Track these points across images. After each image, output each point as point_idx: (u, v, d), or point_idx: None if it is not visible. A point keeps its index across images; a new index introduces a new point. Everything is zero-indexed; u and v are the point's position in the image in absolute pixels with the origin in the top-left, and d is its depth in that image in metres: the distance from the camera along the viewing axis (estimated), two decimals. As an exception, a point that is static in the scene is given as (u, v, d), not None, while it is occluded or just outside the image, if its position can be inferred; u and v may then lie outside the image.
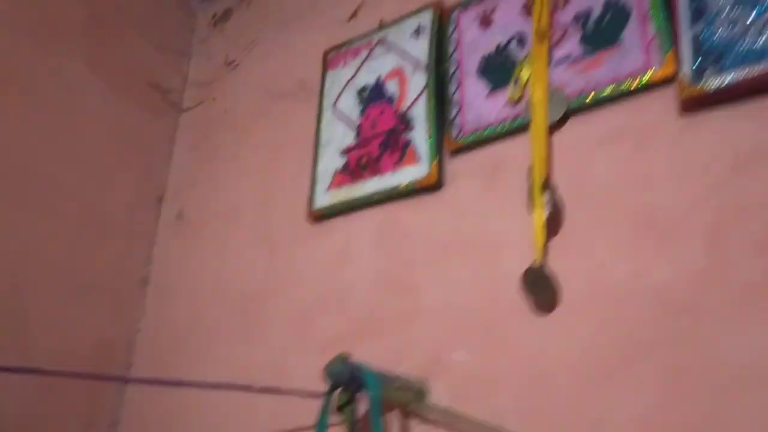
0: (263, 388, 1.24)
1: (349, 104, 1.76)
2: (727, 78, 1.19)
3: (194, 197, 2.09)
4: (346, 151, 1.70)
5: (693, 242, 1.20)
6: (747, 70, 1.18)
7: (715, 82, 1.21)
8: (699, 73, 1.23)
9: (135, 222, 2.05)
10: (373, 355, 1.40)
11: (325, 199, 1.69)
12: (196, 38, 2.34)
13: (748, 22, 1.20)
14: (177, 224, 2.08)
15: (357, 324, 1.57)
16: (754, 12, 1.21)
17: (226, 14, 2.29)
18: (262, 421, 1.55)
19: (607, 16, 1.41)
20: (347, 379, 1.25)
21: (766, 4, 1.20)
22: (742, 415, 1.06)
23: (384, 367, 1.37)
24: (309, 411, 1.41)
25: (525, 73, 1.46)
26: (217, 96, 2.18)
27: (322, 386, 1.33)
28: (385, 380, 1.30)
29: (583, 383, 1.23)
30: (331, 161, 1.73)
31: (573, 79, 1.40)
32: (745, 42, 1.19)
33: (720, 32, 1.23)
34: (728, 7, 1.24)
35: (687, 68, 1.24)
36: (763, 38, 1.18)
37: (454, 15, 1.65)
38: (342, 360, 1.26)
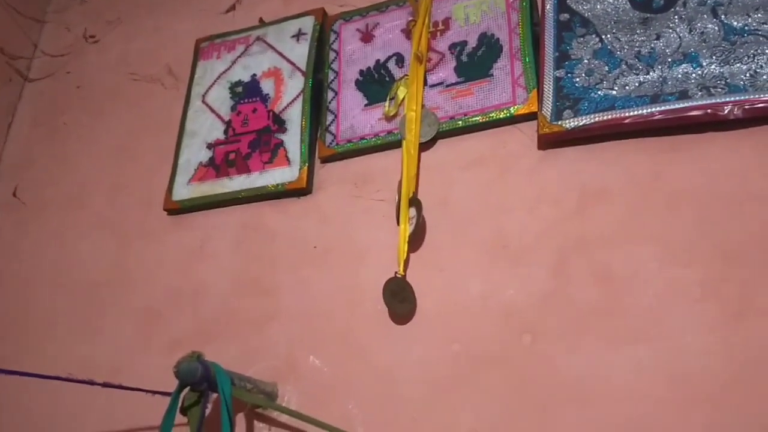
0: (106, 383, 1.16)
1: (220, 97, 1.72)
2: (582, 121, 1.32)
3: (33, 175, 1.92)
4: (213, 145, 1.66)
5: (540, 267, 1.30)
6: (599, 116, 1.31)
7: (571, 123, 1.33)
8: (558, 113, 1.35)
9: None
10: (224, 356, 1.36)
11: (185, 191, 1.63)
12: (53, 7, 2.16)
13: (602, 74, 1.34)
14: (10, 203, 1.89)
15: (209, 323, 1.52)
16: (607, 67, 1.35)
17: (90, -14, 2.15)
18: (96, 421, 1.45)
19: (481, 50, 1.50)
20: (198, 379, 1.20)
21: (618, 61, 1.34)
22: (576, 424, 1.16)
23: (235, 368, 1.34)
24: (150, 410, 1.35)
25: (401, 92, 1.51)
26: (72, 70, 2.03)
27: (165, 386, 1.28)
28: (236, 381, 1.27)
29: (431, 392, 1.28)
30: (195, 153, 1.67)
31: (445, 104, 1.47)
32: (600, 91, 1.32)
33: (579, 79, 1.36)
34: (587, 59, 1.37)
35: (547, 107, 1.36)
36: (614, 90, 1.32)
37: (336, 25, 1.68)
38: (194, 358, 1.22)
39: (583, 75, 1.35)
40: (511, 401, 1.22)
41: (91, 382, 1.15)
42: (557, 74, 1.38)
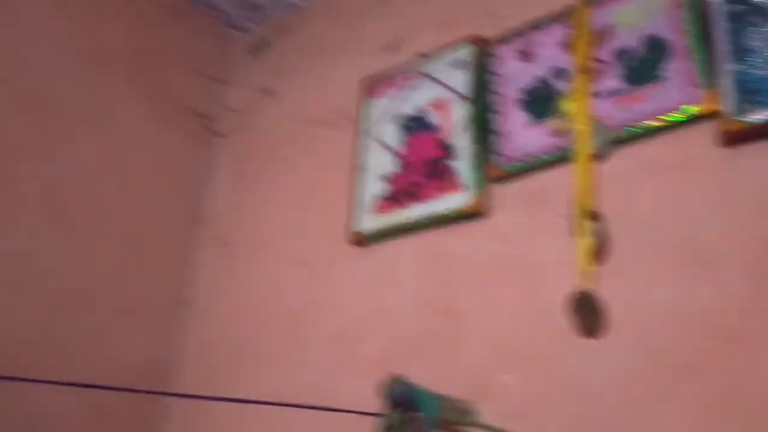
0: (324, 406, 1.27)
1: (390, 132, 1.82)
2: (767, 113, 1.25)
3: (234, 221, 2.14)
4: (388, 178, 1.76)
5: (735, 270, 1.25)
6: (786, 106, 1.24)
7: (755, 116, 1.27)
8: (740, 108, 1.29)
9: (174, 245, 2.10)
10: (416, 377, 1.43)
11: (367, 223, 1.75)
12: (234, 66, 2.40)
13: (784, 61, 1.27)
14: (218, 247, 2.12)
15: (400, 347, 1.61)
16: (789, 52, 1.27)
17: (263, 43, 2.36)
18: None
19: (648, 53, 1.47)
20: (405, 400, 1.28)
21: (802, 45, 1.26)
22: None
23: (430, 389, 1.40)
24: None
25: (568, 106, 1.51)
26: (255, 123, 2.24)
27: (364, 407, 1.36)
28: (439, 401, 1.33)
29: (629, 405, 1.27)
30: (372, 187, 1.78)
31: (616, 112, 1.46)
32: (784, 80, 1.25)
33: (760, 71, 1.29)
34: (764, 46, 1.30)
35: (728, 103, 1.31)
36: (801, 77, 1.24)
37: (494, 48, 1.72)
38: (400, 380, 1.29)
39: (765, 66, 1.29)
40: (717, 412, 1.18)
41: (311, 407, 1.26)
42: (735, 68, 1.32)
